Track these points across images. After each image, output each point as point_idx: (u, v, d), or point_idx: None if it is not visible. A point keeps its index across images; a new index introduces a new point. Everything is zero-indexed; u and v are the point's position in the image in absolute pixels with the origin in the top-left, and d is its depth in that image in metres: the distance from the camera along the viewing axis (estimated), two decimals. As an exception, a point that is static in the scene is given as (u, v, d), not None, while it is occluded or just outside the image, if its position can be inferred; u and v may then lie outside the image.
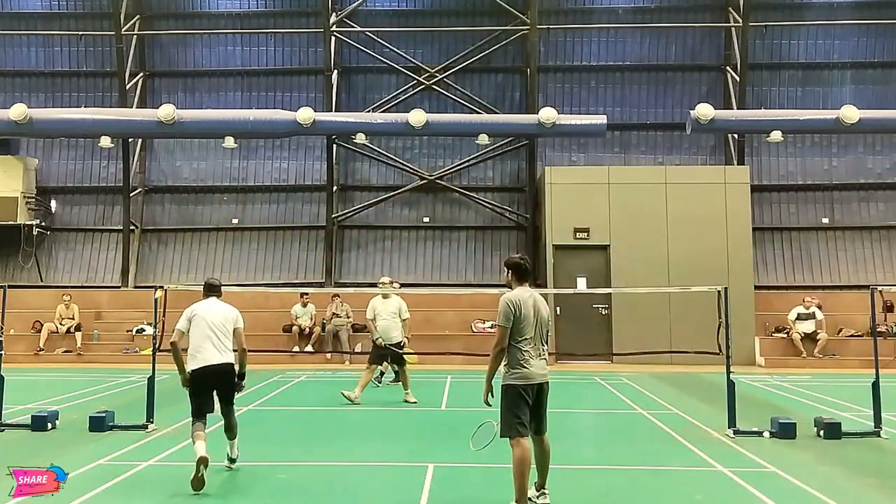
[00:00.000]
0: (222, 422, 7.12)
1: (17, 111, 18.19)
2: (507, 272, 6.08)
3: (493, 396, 5.93)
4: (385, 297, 11.90)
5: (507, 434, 5.75)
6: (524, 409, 5.74)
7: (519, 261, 6.10)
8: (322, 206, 20.93)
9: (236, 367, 7.09)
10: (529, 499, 5.79)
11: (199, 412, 6.88)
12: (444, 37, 21.24)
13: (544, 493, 5.92)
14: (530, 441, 5.81)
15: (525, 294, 5.90)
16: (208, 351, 6.90)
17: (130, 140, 20.77)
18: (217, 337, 6.97)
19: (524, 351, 5.77)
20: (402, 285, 19.62)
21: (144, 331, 18.12)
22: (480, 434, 6.00)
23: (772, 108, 20.34)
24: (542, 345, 5.91)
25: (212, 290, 7.36)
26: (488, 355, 5.98)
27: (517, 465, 5.63)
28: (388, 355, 11.87)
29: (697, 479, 6.99)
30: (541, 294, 6.28)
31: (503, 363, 5.86)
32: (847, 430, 8.72)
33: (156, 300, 9.34)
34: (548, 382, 5.93)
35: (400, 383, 12.33)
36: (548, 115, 18.54)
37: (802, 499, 6.28)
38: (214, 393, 7.02)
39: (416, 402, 11.33)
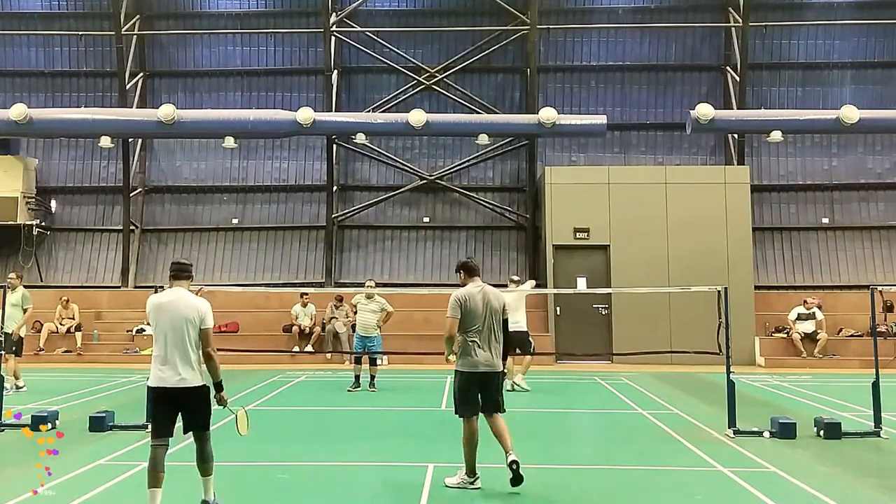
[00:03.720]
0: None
1: (17, 111, 18.18)
2: (460, 273, 6.84)
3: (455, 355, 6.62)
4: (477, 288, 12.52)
5: (458, 414, 6.54)
6: (471, 393, 6.47)
7: (466, 261, 6.93)
8: (322, 206, 20.93)
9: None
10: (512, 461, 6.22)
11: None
12: (444, 37, 21.24)
13: (510, 453, 6.29)
14: (479, 420, 6.46)
15: (474, 290, 6.61)
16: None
17: (130, 140, 20.77)
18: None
19: (471, 341, 6.49)
20: (402, 286, 19.74)
21: (144, 331, 18.09)
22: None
23: (772, 108, 20.34)
24: (493, 338, 6.53)
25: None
26: None
27: (464, 442, 6.43)
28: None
29: (697, 479, 6.98)
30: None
31: (457, 352, 6.55)
32: (847, 430, 8.71)
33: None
34: (495, 372, 6.51)
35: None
36: (548, 115, 18.52)
37: (802, 499, 6.27)
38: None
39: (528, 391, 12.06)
